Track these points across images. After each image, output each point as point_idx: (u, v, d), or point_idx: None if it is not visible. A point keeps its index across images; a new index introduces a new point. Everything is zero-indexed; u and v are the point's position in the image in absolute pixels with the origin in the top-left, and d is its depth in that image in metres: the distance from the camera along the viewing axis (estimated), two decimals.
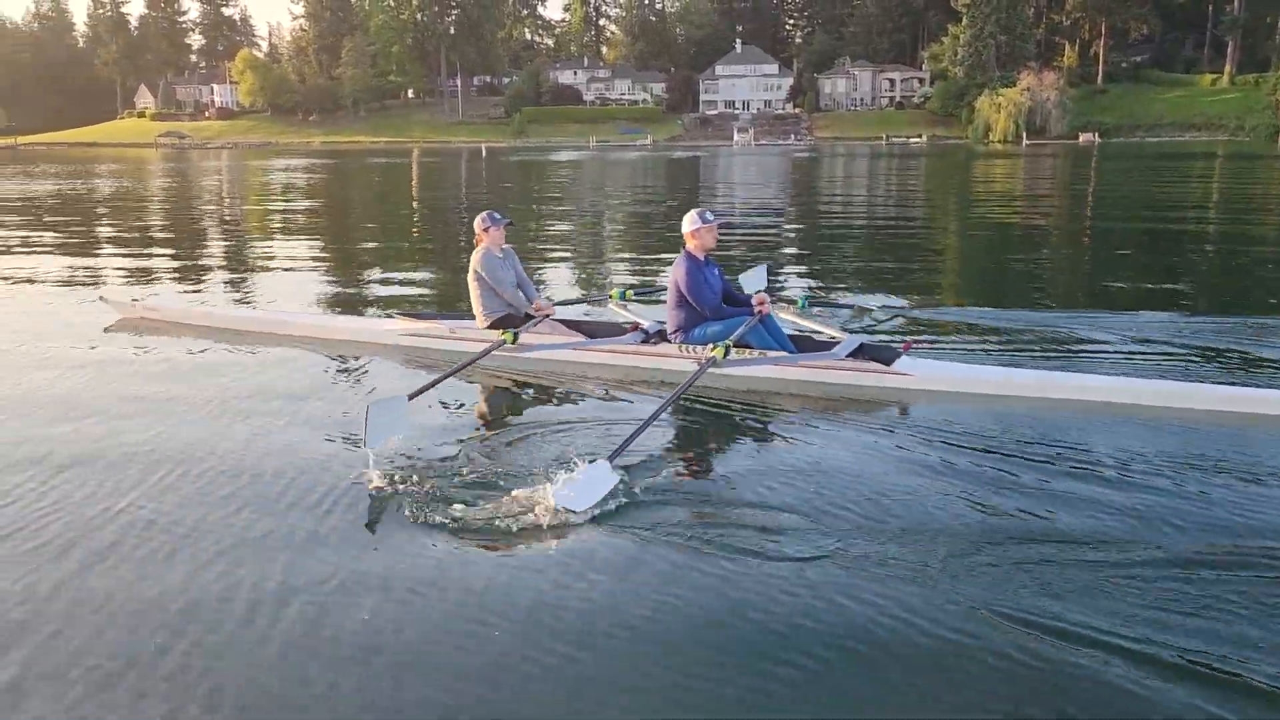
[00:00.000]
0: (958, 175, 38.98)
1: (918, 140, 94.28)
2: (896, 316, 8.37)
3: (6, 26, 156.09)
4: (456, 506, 4.14)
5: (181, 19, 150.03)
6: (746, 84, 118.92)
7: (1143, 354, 6.75)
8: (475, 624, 3.26)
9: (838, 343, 6.38)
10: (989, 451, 4.77)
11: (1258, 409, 5.26)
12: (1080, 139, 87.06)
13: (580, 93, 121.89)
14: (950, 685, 2.86)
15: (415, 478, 4.49)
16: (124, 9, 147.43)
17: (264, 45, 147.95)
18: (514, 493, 4.23)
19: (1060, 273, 12.30)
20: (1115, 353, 6.83)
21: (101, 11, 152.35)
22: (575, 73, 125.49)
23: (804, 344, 6.53)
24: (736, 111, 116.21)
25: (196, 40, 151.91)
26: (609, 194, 28.97)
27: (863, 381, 5.98)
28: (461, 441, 5.14)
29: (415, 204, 26.76)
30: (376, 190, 32.84)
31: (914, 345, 6.60)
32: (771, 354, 6.19)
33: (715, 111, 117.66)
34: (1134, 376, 5.99)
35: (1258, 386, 5.68)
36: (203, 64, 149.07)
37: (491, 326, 7.00)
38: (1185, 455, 4.67)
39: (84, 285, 11.17)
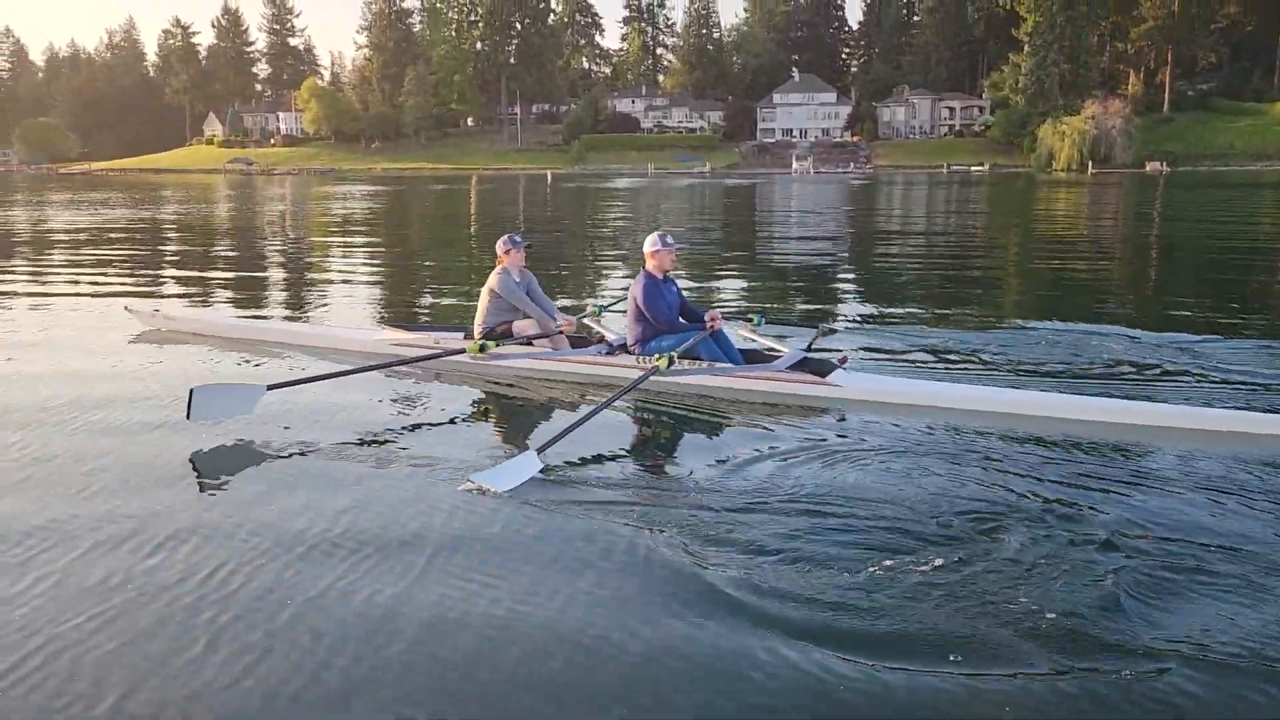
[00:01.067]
0: (1017, 204, 38.50)
1: (979, 169, 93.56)
2: (856, 334, 8.91)
3: (80, 56, 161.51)
4: (396, 477, 4.82)
5: (249, 49, 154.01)
6: (804, 112, 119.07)
7: (1066, 371, 7.17)
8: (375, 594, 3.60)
9: (780, 357, 6.84)
10: (904, 454, 5.11)
11: (1147, 421, 5.69)
12: (1148, 168, 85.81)
13: (638, 120, 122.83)
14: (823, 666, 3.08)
15: (367, 457, 5.17)
16: (194, 39, 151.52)
17: (325, 74, 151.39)
18: (434, 469, 4.88)
19: (1049, 295, 12.78)
20: (1051, 372, 7.17)
21: (171, 41, 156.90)
22: (633, 100, 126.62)
23: (754, 358, 6.97)
24: (794, 140, 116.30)
25: (263, 69, 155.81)
26: (665, 220, 29.26)
27: (798, 391, 6.42)
28: (411, 430, 5.75)
29: (473, 228, 27.18)
30: (435, 214, 33.39)
31: (850, 360, 6.99)
32: (717, 365, 6.65)
33: (773, 140, 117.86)
34: (1051, 392, 6.39)
35: (1150, 401, 6.11)
36: (268, 92, 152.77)
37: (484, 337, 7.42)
38: (1048, 459, 5.06)
39: (122, 296, 11.81)
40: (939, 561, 3.72)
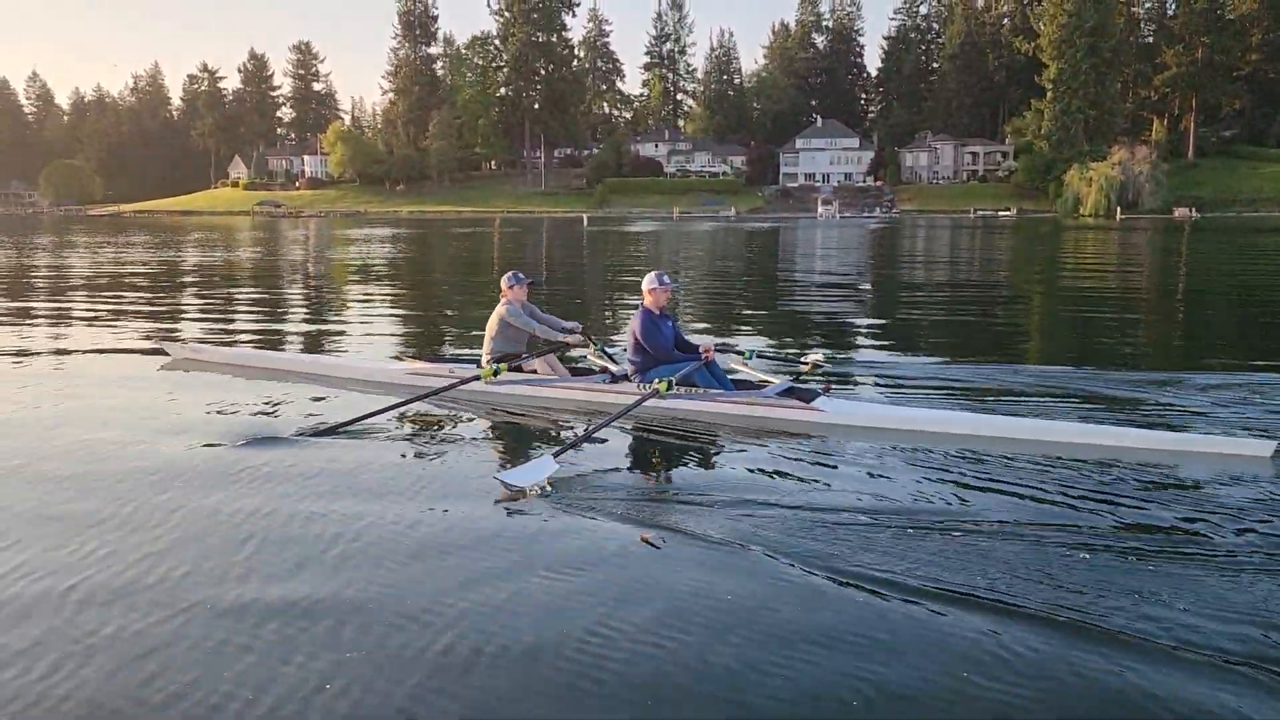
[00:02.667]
0: (1045, 249, 38.80)
1: (1007, 213, 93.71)
2: (844, 366, 9.61)
3: (106, 101, 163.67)
4: (427, 481, 5.56)
5: (274, 93, 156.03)
6: (826, 156, 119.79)
7: (1040, 400, 7.83)
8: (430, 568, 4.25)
9: (768, 385, 7.60)
10: (878, 471, 5.73)
11: (1117, 441, 6.28)
12: (1176, 213, 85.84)
13: (661, 164, 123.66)
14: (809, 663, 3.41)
15: (394, 465, 5.92)
16: (220, 84, 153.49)
17: (346, 118, 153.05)
18: (467, 473, 5.72)
19: (1021, 333, 13.87)
20: (1020, 398, 7.85)
21: (196, 86, 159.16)
22: (656, 145, 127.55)
23: (744, 386, 7.67)
24: (817, 184, 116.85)
25: (286, 113, 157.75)
26: (695, 263, 29.42)
27: (784, 416, 6.97)
28: (449, 442, 6.60)
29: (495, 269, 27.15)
30: (461, 259, 33.36)
31: (833, 389, 7.74)
32: (712, 392, 7.34)
33: (796, 184, 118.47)
34: (1017, 418, 6.93)
35: (1119, 425, 6.72)
36: (291, 136, 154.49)
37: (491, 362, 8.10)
38: (1019, 475, 5.65)
39: (157, 332, 12.52)
40: (904, 556, 4.32)
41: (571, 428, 7.01)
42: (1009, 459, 5.92)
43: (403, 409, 7.26)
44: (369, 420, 6.90)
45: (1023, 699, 3.18)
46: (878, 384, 8.57)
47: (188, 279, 22.54)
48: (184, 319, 14.54)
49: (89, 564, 4.30)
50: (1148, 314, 15.99)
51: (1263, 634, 3.59)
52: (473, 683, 3.28)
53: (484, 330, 8.32)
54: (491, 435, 6.99)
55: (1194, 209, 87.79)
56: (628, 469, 6.02)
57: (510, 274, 8.34)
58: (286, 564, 4.32)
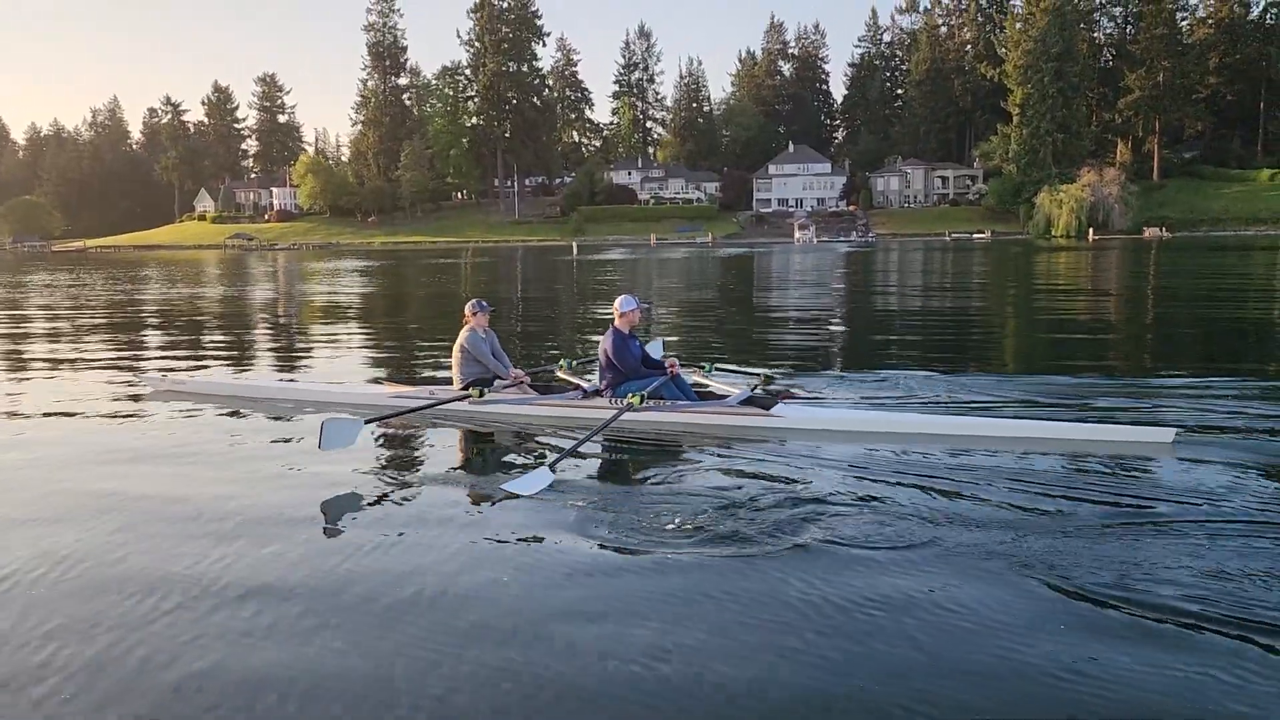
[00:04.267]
0: (1021, 269, 40.15)
1: (981, 236, 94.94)
2: (800, 377, 10.45)
3: (63, 135, 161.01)
4: (436, 491, 6.12)
5: (238, 125, 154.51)
6: (799, 182, 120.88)
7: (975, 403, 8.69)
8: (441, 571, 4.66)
9: (730, 395, 8.22)
10: (830, 466, 6.41)
11: (1044, 434, 7.11)
12: (1146, 234, 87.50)
13: (635, 192, 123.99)
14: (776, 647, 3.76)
15: (407, 480, 6.44)
16: (183, 117, 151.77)
17: (310, 150, 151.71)
18: (475, 484, 6.30)
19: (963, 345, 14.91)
20: (963, 403, 8.65)
21: (156, 120, 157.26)
22: (629, 172, 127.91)
23: (707, 397, 8.40)
24: (791, 209, 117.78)
25: (251, 145, 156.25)
26: (688, 288, 29.57)
27: (747, 423, 7.63)
28: (442, 458, 7.15)
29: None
30: (434, 288, 33.15)
31: (791, 396, 8.56)
32: (680, 404, 8.00)
33: (769, 209, 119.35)
34: (957, 416, 7.80)
35: (1046, 420, 7.55)
36: (257, 168, 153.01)
37: (465, 388, 8.57)
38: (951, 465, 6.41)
39: (135, 365, 12.77)
40: (853, 535, 4.95)
41: (557, 437, 7.55)
42: (951, 452, 6.69)
43: (396, 425, 7.99)
44: (370, 441, 7.41)
45: (981, 661, 3.61)
46: (835, 393, 9.40)
47: (168, 314, 22.38)
48: (164, 354, 14.51)
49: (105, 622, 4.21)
50: (1120, 326, 17.21)
51: (1171, 586, 4.19)
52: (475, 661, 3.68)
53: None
54: (487, 450, 7.55)
55: (1164, 229, 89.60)
56: (612, 475, 6.72)
57: (474, 301, 8.90)
58: (312, 571, 4.65)
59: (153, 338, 17.11)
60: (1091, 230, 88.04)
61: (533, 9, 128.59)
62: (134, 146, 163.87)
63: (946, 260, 48.94)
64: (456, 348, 8.74)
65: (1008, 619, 3.93)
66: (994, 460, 6.49)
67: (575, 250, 72.39)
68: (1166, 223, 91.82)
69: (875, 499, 5.63)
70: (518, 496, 5.76)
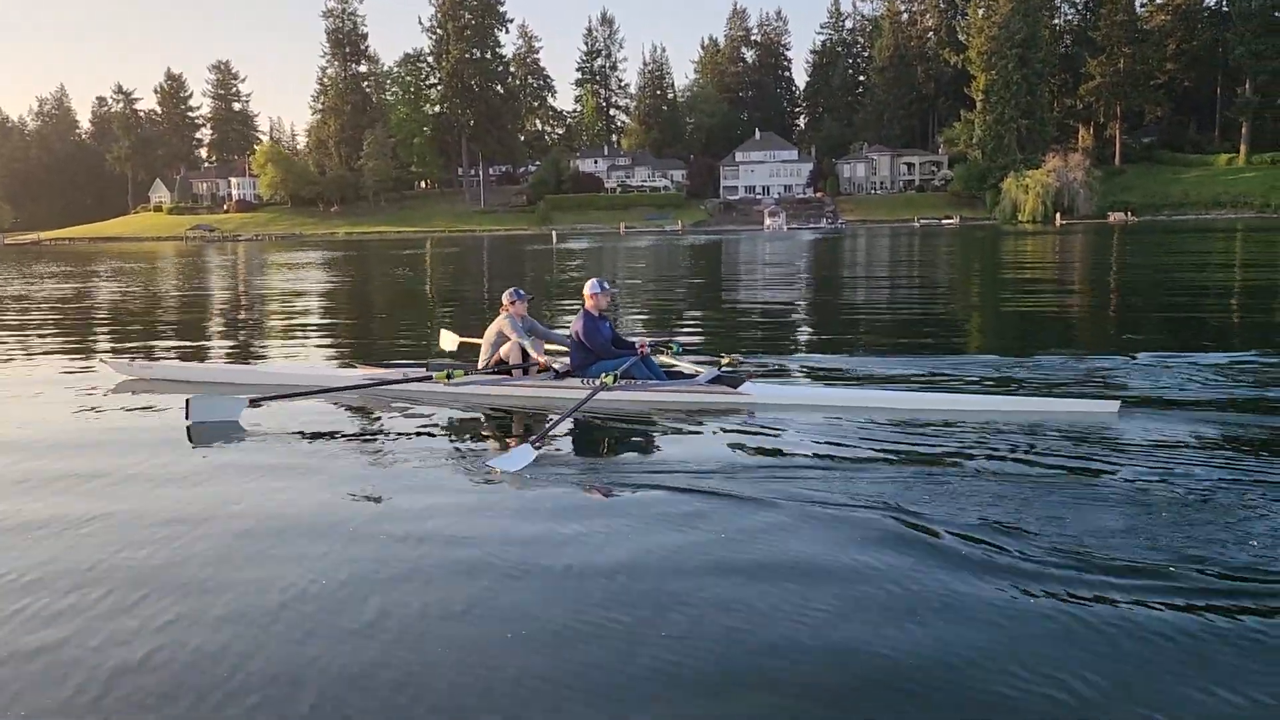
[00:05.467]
0: (988, 252, 40.86)
1: (950, 221, 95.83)
2: (766, 357, 10.86)
3: (7, 125, 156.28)
4: (421, 472, 6.09)
5: (192, 114, 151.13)
6: (766, 169, 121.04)
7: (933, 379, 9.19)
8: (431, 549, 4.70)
9: (699, 374, 8.52)
10: (796, 438, 6.79)
11: (996, 407, 7.55)
12: (1111, 218, 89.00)
13: (601, 180, 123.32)
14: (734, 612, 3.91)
15: (391, 459, 6.48)
16: (136, 106, 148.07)
17: (265, 139, 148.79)
18: (459, 462, 6.38)
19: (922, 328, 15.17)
20: (922, 380, 9.08)
21: (105, 109, 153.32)
22: (596, 160, 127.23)
23: (675, 376, 8.70)
24: (758, 197, 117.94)
25: (205, 134, 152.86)
26: (664, 280, 29.20)
27: (716, 399, 7.96)
28: (422, 437, 7.18)
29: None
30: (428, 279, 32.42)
31: (756, 375, 8.91)
32: (650, 383, 8.25)
33: (736, 197, 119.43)
34: (914, 391, 8.38)
35: (997, 394, 8.14)
36: (212, 158, 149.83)
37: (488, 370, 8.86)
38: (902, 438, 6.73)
39: (102, 353, 12.48)
40: (818, 496, 5.32)
41: (531, 417, 7.82)
42: (907, 424, 7.09)
43: (373, 406, 8.19)
44: (341, 417, 7.80)
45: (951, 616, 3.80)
46: (799, 371, 9.91)
47: (134, 305, 21.86)
48: (130, 342, 14.24)
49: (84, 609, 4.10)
50: (1087, 307, 17.66)
51: (1123, 539, 4.54)
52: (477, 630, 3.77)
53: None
54: (467, 429, 7.68)
55: (1129, 213, 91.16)
56: (592, 450, 7.00)
57: (512, 290, 9.09)
58: (296, 554, 4.64)
59: (120, 327, 16.82)
60: (1059, 215, 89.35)
61: None
62: (83, 136, 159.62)
63: (918, 246, 49.48)
64: (493, 330, 8.94)
65: (957, 575, 4.20)
66: (948, 431, 6.91)
67: (555, 239, 71.73)
68: (1130, 207, 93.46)
69: (837, 466, 6.01)
70: (502, 473, 5.90)
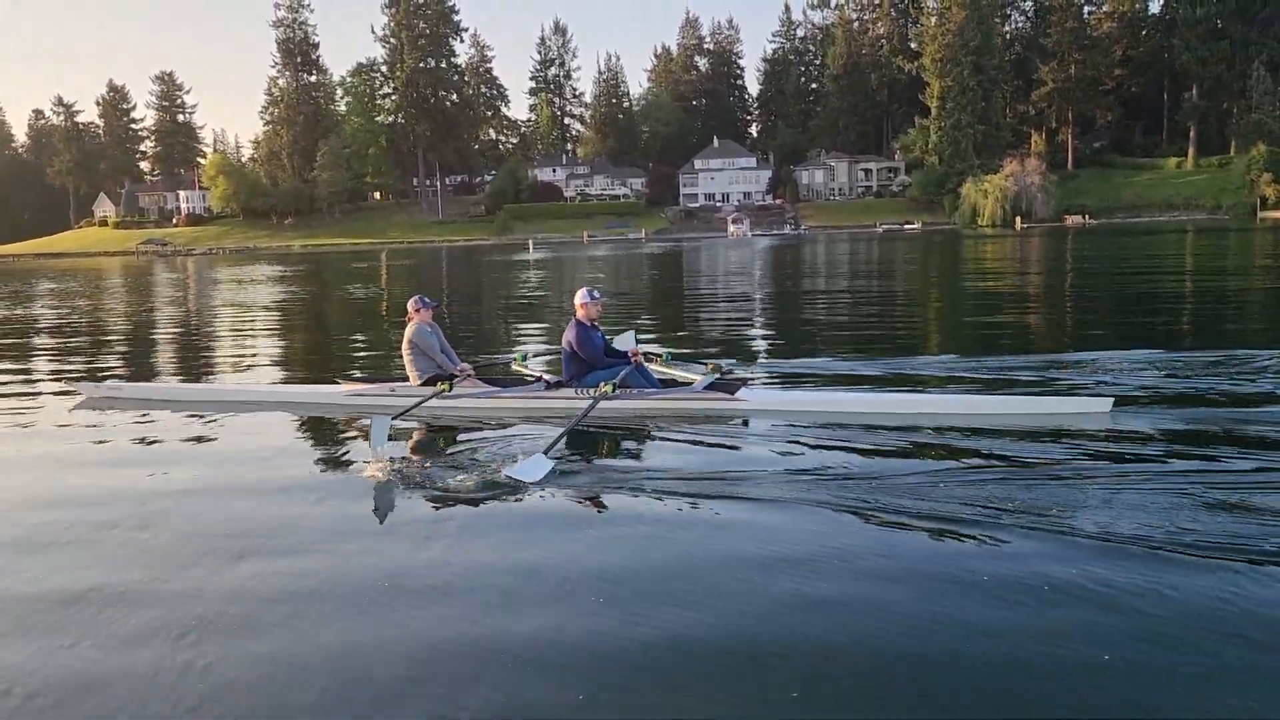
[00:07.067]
0: (949, 257, 41.69)
1: (912, 226, 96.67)
2: (760, 363, 11.06)
3: None
4: (442, 485, 6.07)
5: (135, 125, 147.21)
6: (726, 176, 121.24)
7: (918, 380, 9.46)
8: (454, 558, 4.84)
9: (694, 381, 8.58)
10: (792, 443, 6.91)
11: (992, 409, 7.64)
12: (1068, 221, 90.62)
13: (560, 189, 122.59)
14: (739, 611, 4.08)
15: (406, 474, 6.42)
16: (77, 118, 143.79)
17: (209, 151, 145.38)
18: (478, 474, 6.19)
19: (903, 329, 15.67)
20: (912, 383, 9.30)
21: (43, 122, 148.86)
22: (554, 169, 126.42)
23: (668, 384, 8.77)
24: (718, 204, 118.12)
25: (149, 146, 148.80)
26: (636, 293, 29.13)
27: (714, 406, 8.02)
28: (428, 452, 7.28)
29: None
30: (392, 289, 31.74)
31: (750, 381, 8.97)
32: (647, 391, 8.30)
33: (696, 204, 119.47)
34: (910, 394, 8.56)
35: (992, 395, 8.29)
36: (157, 170, 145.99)
37: (425, 384, 8.64)
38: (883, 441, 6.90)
39: (71, 376, 11.95)
40: (820, 497, 5.49)
41: (532, 430, 7.70)
42: (903, 427, 7.23)
43: (363, 414, 7.95)
44: (344, 438, 7.55)
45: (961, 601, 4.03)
46: (792, 376, 10.03)
47: (90, 324, 21.28)
48: (94, 362, 13.87)
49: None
50: (1060, 307, 18.25)
51: (1126, 523, 4.80)
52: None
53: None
54: (468, 443, 7.55)
55: (1086, 216, 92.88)
56: (598, 461, 6.91)
57: (416, 298, 8.99)
58: (325, 563, 4.77)
59: (80, 347, 16.40)
60: (1019, 219, 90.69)
61: (449, 4, 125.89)
62: (19, 150, 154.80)
63: (882, 250, 50.34)
64: (405, 344, 8.80)
65: (963, 570, 4.36)
66: (945, 432, 7.03)
67: (531, 249, 70.88)
68: (1085, 210, 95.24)
69: (838, 469, 6.12)
70: (522, 484, 5.92)
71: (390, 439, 6.75)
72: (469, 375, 8.72)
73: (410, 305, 8.93)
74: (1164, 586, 4.06)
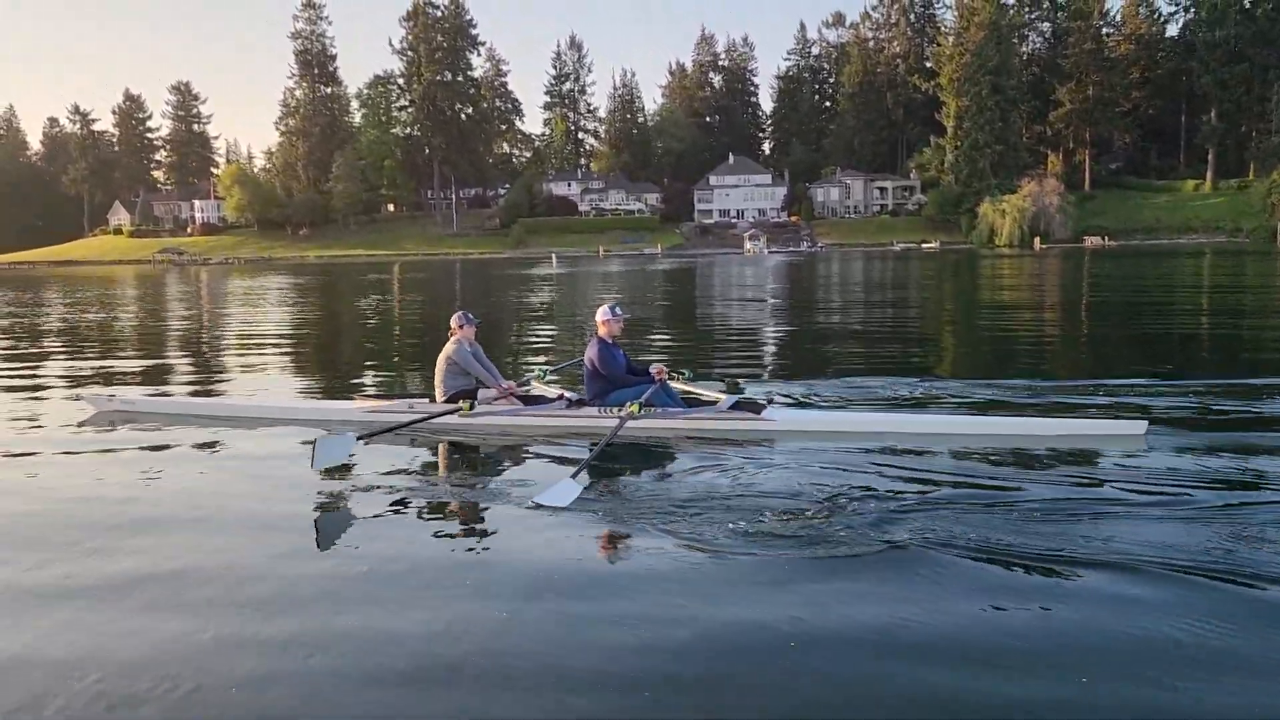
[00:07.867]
0: (968, 277, 41.41)
1: (930, 246, 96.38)
2: (785, 382, 10.80)
3: None
4: (465, 508, 6.09)
5: (151, 135, 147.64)
6: (741, 193, 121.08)
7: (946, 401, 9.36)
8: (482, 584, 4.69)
9: (719, 400, 8.42)
10: (822, 465, 6.73)
11: (1024, 430, 7.50)
12: (1088, 243, 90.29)
13: (575, 203, 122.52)
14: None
15: (429, 494, 6.43)
16: (93, 126, 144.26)
17: (224, 161, 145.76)
18: (503, 500, 6.08)
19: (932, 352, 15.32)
20: (941, 404, 9.22)
21: (58, 130, 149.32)
22: (569, 184, 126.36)
23: (692, 402, 8.62)
24: (733, 220, 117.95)
25: (164, 155, 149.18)
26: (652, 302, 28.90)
27: (740, 426, 7.86)
28: (450, 472, 7.19)
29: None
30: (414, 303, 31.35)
31: (776, 400, 8.87)
32: (671, 410, 8.12)
33: (711, 220, 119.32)
34: (939, 415, 8.44)
35: (1024, 417, 8.18)
36: (171, 180, 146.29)
37: (448, 400, 8.45)
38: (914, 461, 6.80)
39: (80, 385, 11.92)
40: (876, 528, 5.21)
41: (556, 447, 7.54)
42: (933, 448, 7.08)
43: (388, 440, 7.64)
44: (367, 458, 7.17)
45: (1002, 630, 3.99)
46: (817, 396, 9.78)
47: (105, 334, 20.88)
48: (107, 375, 13.63)
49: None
50: (1089, 329, 18.16)
51: (1165, 553, 4.67)
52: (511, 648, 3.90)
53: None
54: (492, 463, 7.43)
55: (1105, 237, 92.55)
56: (626, 482, 6.63)
57: (460, 313, 8.83)
58: (347, 587, 4.65)
59: (95, 358, 15.95)
60: (1038, 239, 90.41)
61: (467, 18, 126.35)
62: (34, 158, 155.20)
63: (901, 269, 50.07)
64: (442, 359, 8.67)
65: (1013, 603, 4.25)
66: (978, 454, 6.91)
67: (554, 262, 70.63)
68: (1105, 232, 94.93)
69: (869, 494, 5.92)
70: (551, 509, 5.73)
71: (434, 461, 6.67)
72: (510, 394, 8.60)
73: (454, 321, 8.81)
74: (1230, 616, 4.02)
